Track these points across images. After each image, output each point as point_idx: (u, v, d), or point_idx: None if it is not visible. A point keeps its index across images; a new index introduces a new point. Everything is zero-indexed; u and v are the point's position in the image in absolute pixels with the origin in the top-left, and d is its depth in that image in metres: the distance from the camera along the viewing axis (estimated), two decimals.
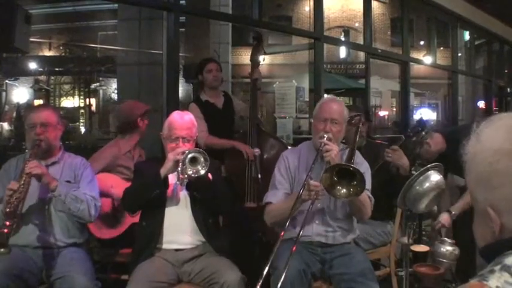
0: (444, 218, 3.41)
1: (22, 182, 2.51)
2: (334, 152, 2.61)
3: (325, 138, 2.68)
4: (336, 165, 2.48)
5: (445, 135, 3.63)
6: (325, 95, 6.22)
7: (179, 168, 2.59)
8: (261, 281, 2.11)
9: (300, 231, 2.47)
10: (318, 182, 2.48)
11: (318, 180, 2.51)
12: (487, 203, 1.04)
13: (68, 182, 2.83)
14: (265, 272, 2.16)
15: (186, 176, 2.59)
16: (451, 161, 3.43)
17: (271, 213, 2.79)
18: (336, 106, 2.82)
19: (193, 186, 2.70)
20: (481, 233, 1.10)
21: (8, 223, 2.40)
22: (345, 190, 2.45)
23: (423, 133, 3.52)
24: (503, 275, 0.94)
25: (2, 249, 2.34)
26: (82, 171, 2.92)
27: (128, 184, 2.96)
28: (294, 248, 2.38)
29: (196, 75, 4.31)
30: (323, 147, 2.64)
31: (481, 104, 12.90)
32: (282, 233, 2.42)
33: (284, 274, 2.24)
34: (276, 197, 2.79)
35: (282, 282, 2.30)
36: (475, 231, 1.13)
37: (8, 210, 2.44)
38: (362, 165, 2.84)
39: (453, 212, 3.41)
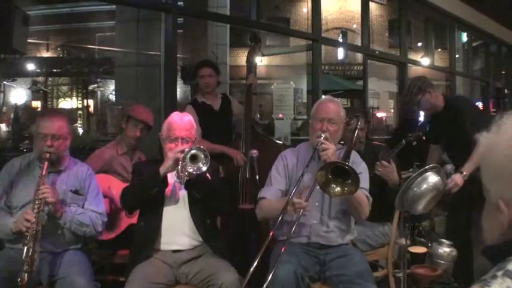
0: (457, 177, 3.45)
1: (36, 210, 2.49)
2: (331, 151, 2.63)
3: (322, 138, 2.70)
4: (331, 162, 2.49)
5: (446, 98, 3.86)
6: (323, 96, 6.23)
7: (179, 167, 2.59)
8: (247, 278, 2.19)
9: (291, 231, 2.51)
10: (303, 200, 2.51)
11: (313, 178, 2.53)
12: (498, 195, 1.03)
13: (76, 191, 2.83)
14: (251, 270, 2.24)
15: (186, 173, 2.59)
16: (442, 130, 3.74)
17: (262, 209, 2.82)
18: (332, 106, 2.84)
19: (192, 185, 2.70)
20: (489, 226, 1.09)
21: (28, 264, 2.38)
22: (339, 188, 2.47)
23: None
24: (506, 280, 0.94)
25: None
26: (89, 183, 2.91)
27: (126, 185, 2.96)
28: (283, 249, 2.43)
29: (194, 77, 4.29)
30: (320, 146, 2.66)
31: (479, 105, 12.91)
32: (272, 233, 2.48)
33: (271, 274, 2.30)
34: (270, 193, 2.82)
35: (277, 286, 2.36)
36: (484, 223, 1.11)
37: (25, 244, 2.42)
38: (360, 165, 2.85)
39: (464, 173, 3.47)
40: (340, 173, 2.44)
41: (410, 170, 4.34)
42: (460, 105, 3.83)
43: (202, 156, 2.56)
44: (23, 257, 2.39)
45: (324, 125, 2.76)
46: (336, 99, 3.10)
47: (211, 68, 4.20)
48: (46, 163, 2.66)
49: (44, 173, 2.63)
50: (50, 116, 2.82)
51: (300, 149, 2.99)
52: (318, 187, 2.52)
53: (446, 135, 3.82)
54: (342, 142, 3.05)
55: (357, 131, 3.07)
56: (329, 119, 2.77)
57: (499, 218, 1.03)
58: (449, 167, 3.46)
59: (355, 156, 2.88)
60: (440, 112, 3.79)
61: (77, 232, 2.72)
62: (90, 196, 2.88)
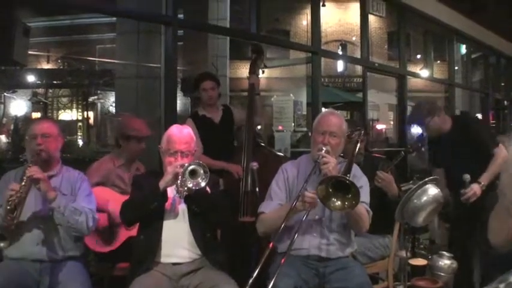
0: (476, 187, 3.46)
1: (23, 184, 2.54)
2: (332, 164, 2.62)
3: (323, 151, 2.69)
4: (332, 177, 2.48)
5: (453, 118, 3.89)
6: (323, 109, 6.24)
7: (178, 181, 2.59)
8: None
9: (291, 242, 2.49)
10: (314, 193, 2.49)
11: (314, 192, 2.51)
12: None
13: (69, 194, 2.84)
14: (250, 282, 2.20)
15: (185, 188, 2.59)
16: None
17: (263, 222, 2.80)
18: (334, 119, 2.84)
19: (191, 199, 2.69)
20: (496, 228, 1.09)
21: (8, 217, 2.46)
22: (339, 202, 2.45)
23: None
24: None
25: (1, 244, 2.36)
26: (80, 185, 2.92)
27: (123, 198, 2.95)
28: (283, 261, 2.39)
29: (194, 90, 4.28)
30: (321, 159, 2.65)
31: (478, 117, 12.93)
32: (271, 244, 2.44)
33: (271, 286, 2.26)
34: (270, 207, 2.80)
35: None
36: (491, 224, 1.11)
37: (8, 207, 2.47)
38: (361, 179, 2.84)
39: (482, 183, 3.48)
40: (341, 187, 2.43)
41: (411, 182, 4.34)
42: (470, 121, 3.87)
43: (202, 171, 2.56)
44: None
45: (325, 138, 2.75)
46: (338, 112, 3.09)
47: (213, 80, 4.20)
48: (35, 158, 2.71)
49: (31, 163, 2.67)
50: (38, 119, 2.88)
51: (301, 162, 2.98)
52: (318, 201, 2.51)
53: (455, 152, 3.77)
54: (342, 155, 3.05)
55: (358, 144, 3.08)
56: (331, 132, 2.77)
57: (508, 222, 1.03)
58: (468, 176, 3.46)
59: (356, 169, 2.87)
60: (447, 133, 3.78)
61: (71, 221, 2.69)
62: (81, 195, 2.89)
